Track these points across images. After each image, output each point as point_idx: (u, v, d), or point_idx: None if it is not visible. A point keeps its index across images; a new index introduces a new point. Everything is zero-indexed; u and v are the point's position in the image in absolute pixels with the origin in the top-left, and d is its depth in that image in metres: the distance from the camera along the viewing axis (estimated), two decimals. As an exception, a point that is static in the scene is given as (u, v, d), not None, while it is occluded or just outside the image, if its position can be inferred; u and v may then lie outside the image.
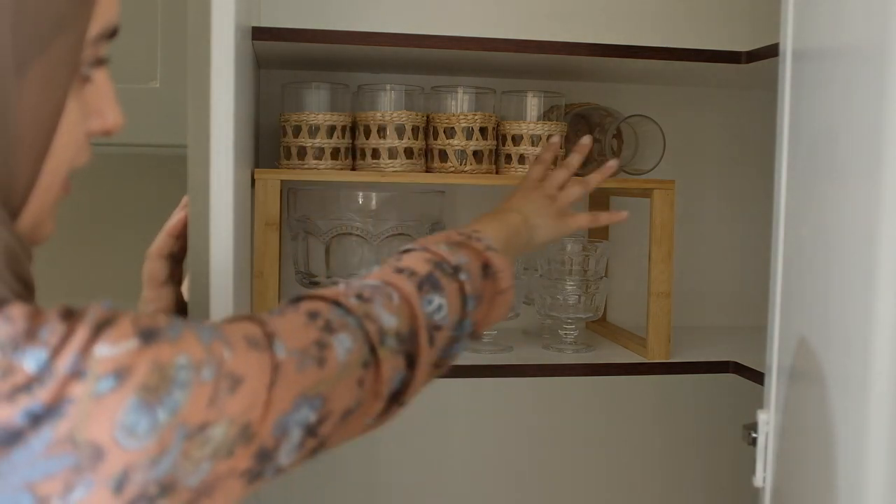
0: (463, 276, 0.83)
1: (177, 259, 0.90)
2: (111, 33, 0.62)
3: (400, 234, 1.35)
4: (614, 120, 1.44)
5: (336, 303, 0.71)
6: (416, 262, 0.81)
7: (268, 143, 1.50)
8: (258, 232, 1.28)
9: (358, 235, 1.34)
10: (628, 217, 1.22)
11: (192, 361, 0.55)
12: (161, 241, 0.89)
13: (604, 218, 1.21)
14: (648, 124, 1.41)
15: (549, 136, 1.38)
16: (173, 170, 1.03)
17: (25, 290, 0.56)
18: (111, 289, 1.55)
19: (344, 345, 0.67)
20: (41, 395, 0.50)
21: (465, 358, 1.39)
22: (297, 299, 0.73)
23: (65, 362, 0.51)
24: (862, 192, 0.83)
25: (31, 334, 0.51)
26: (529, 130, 1.38)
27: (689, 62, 1.37)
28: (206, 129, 0.83)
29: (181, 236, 0.89)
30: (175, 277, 0.90)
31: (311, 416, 0.62)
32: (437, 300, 0.79)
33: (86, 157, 0.63)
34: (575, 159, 1.20)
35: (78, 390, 0.51)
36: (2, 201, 0.57)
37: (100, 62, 0.62)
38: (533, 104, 1.41)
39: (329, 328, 0.67)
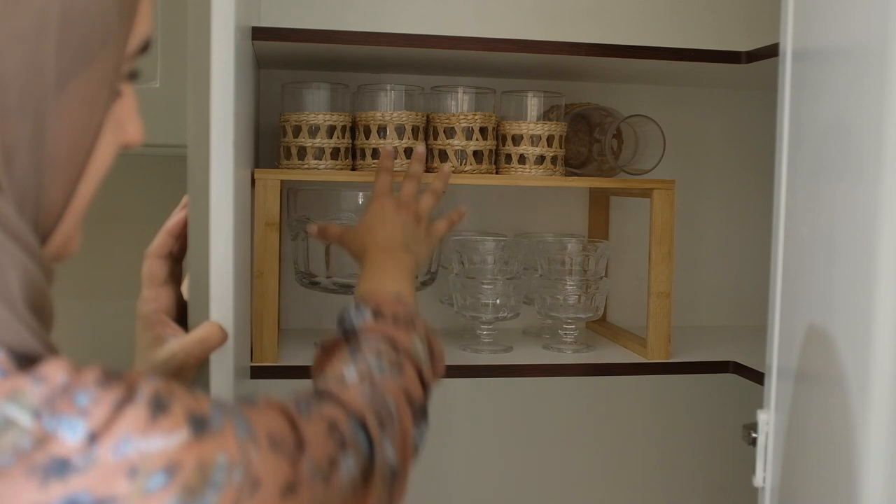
0: (429, 396, 0.85)
1: (176, 259, 0.90)
2: (146, 47, 0.61)
3: (400, 234, 1.35)
4: (614, 120, 1.44)
5: (356, 417, 0.70)
6: (414, 383, 0.82)
7: (268, 143, 1.50)
8: (258, 232, 1.28)
9: (358, 235, 1.34)
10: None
11: (228, 461, 0.53)
12: (160, 240, 0.89)
13: (455, 216, 1.24)
14: (648, 124, 1.41)
15: (548, 137, 1.38)
16: (173, 170, 1.03)
17: (44, 325, 0.54)
18: (110, 288, 1.55)
19: (348, 466, 0.66)
20: (84, 483, 0.47)
21: (465, 358, 1.39)
22: (322, 394, 0.71)
23: (112, 448, 0.48)
24: (862, 192, 0.83)
25: (67, 398, 0.48)
26: (529, 130, 1.38)
27: (689, 62, 1.37)
28: (206, 129, 0.83)
29: (181, 236, 0.89)
30: (175, 277, 0.90)
31: None
32: (423, 428, 0.81)
33: (108, 172, 0.61)
34: (417, 169, 1.24)
35: (126, 488, 0.48)
36: (32, 223, 0.55)
37: (131, 76, 0.61)
38: (533, 104, 1.41)
39: (343, 445, 0.66)
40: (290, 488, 0.58)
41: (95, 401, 0.49)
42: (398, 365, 0.82)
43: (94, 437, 0.48)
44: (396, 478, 0.74)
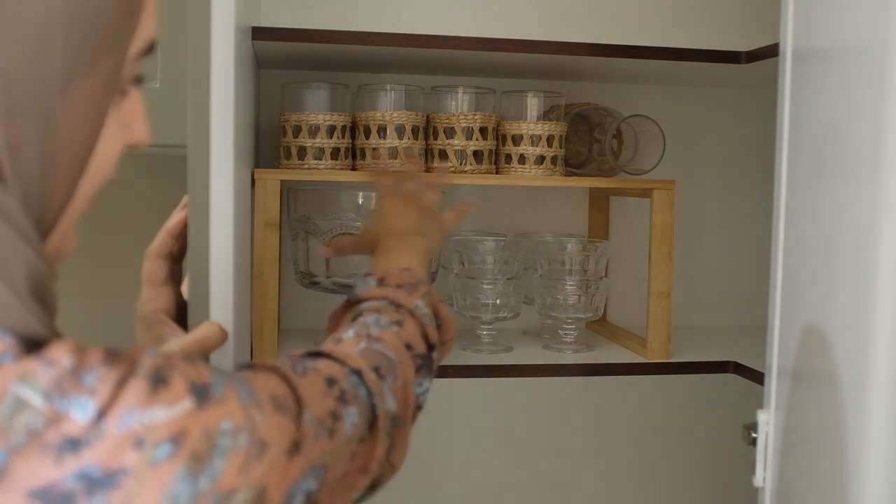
0: (435, 354, 0.87)
1: (176, 259, 0.90)
2: (150, 48, 0.62)
3: (400, 234, 1.35)
4: (614, 120, 1.44)
5: (353, 371, 0.72)
6: (416, 337, 0.85)
7: (268, 143, 1.50)
8: (258, 232, 1.28)
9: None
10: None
11: (233, 426, 0.54)
12: (160, 240, 0.89)
13: (465, 207, 1.22)
14: (648, 124, 1.41)
15: (548, 137, 1.38)
16: (173, 170, 1.03)
17: (48, 315, 0.55)
18: (111, 288, 1.55)
19: (352, 418, 0.68)
20: (93, 457, 0.49)
21: (465, 358, 1.39)
22: (317, 355, 0.73)
23: (117, 422, 0.50)
24: (863, 192, 0.83)
25: (75, 380, 0.50)
26: (529, 130, 1.38)
27: (689, 62, 1.37)
28: (206, 129, 0.83)
29: (181, 236, 0.89)
30: (174, 277, 0.90)
31: (313, 485, 0.62)
32: (426, 384, 0.84)
33: (114, 173, 0.62)
34: (414, 168, 1.23)
35: (134, 459, 0.50)
36: (35, 220, 0.56)
37: (137, 77, 0.62)
38: (533, 104, 1.41)
39: (343, 398, 0.68)
40: (295, 447, 0.59)
41: (101, 379, 0.50)
42: (399, 321, 0.84)
43: (101, 414, 0.50)
44: (397, 426, 0.75)
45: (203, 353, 0.83)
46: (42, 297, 0.54)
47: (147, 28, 0.61)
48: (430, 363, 0.85)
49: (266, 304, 1.29)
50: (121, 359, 0.52)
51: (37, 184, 0.56)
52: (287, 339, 1.46)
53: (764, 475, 1.03)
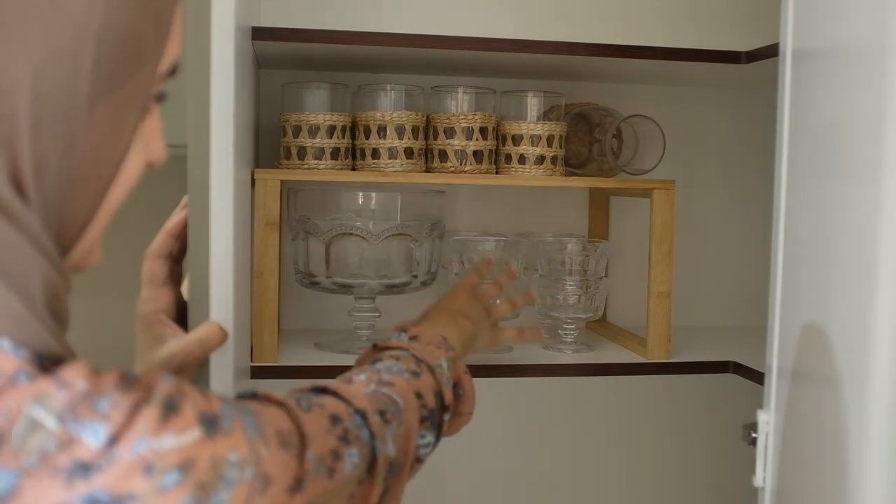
0: (447, 417, 0.88)
1: (176, 259, 0.90)
2: (175, 69, 0.62)
3: (400, 234, 1.35)
4: (614, 120, 1.44)
5: (358, 411, 0.72)
6: (428, 391, 0.86)
7: (268, 143, 1.50)
8: (258, 232, 1.28)
9: (358, 235, 1.34)
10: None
11: (240, 459, 0.55)
12: (160, 240, 0.89)
13: (527, 334, 1.27)
14: (648, 124, 1.41)
15: (548, 137, 1.38)
16: (173, 170, 1.03)
17: (61, 329, 0.55)
18: (111, 288, 1.55)
19: (352, 459, 0.68)
20: (103, 482, 0.49)
21: (464, 358, 1.39)
22: (322, 390, 0.74)
23: (128, 448, 0.50)
24: (862, 192, 0.83)
25: (89, 404, 0.50)
26: (529, 130, 1.38)
27: (689, 62, 1.37)
28: (206, 129, 0.83)
29: (181, 236, 0.89)
30: (174, 277, 0.90)
31: None
32: (429, 438, 0.84)
33: (134, 188, 0.63)
34: (506, 283, 1.26)
35: (142, 486, 0.50)
36: (55, 235, 0.56)
37: (159, 95, 0.62)
38: (533, 104, 1.41)
39: (346, 438, 0.68)
40: (297, 483, 0.59)
41: (115, 405, 0.51)
42: (415, 371, 0.86)
43: (113, 440, 0.50)
44: (394, 473, 0.75)
45: (203, 353, 0.83)
46: (56, 311, 0.55)
47: (174, 50, 0.61)
48: (438, 420, 0.86)
49: (266, 304, 1.29)
50: (135, 384, 0.53)
51: (58, 199, 0.56)
52: (287, 339, 1.46)
53: (764, 475, 1.03)
